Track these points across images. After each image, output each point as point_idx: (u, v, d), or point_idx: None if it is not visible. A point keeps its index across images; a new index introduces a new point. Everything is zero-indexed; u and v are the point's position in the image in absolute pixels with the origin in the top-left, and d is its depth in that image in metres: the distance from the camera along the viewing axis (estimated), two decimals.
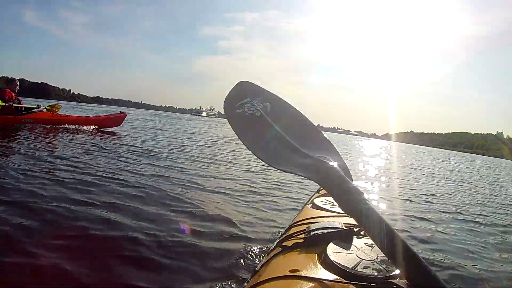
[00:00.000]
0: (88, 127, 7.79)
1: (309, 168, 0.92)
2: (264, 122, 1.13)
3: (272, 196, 3.42)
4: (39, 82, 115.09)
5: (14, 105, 6.77)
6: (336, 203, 1.29)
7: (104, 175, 3.30)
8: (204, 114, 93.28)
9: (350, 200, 0.76)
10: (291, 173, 0.93)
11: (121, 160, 4.32)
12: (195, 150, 6.77)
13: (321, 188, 1.82)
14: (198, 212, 2.56)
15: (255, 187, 3.74)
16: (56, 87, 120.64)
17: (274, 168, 0.94)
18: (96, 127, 7.94)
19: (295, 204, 3.03)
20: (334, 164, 0.90)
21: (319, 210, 1.32)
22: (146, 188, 2.99)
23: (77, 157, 4.09)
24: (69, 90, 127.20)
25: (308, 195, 2.42)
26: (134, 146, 6.01)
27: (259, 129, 1.11)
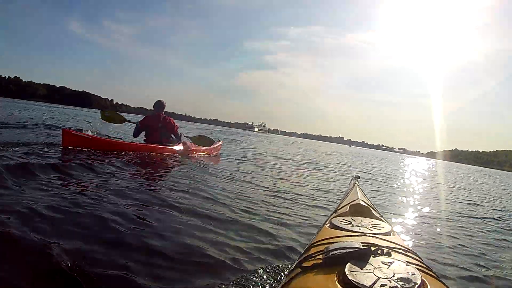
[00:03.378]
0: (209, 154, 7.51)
1: None
2: None
3: (291, 215, 3.27)
4: (80, 90, 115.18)
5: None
6: (353, 223, 1.42)
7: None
8: (256, 129, 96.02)
9: None
10: None
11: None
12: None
13: (339, 208, 1.88)
14: (218, 225, 2.52)
15: (272, 205, 3.54)
16: (99, 96, 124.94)
17: None
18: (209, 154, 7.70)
19: (313, 224, 2.97)
20: None
21: (337, 230, 1.34)
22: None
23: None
24: (112, 100, 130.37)
25: (325, 215, 2.48)
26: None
27: None
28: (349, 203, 1.83)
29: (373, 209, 1.81)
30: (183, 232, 2.24)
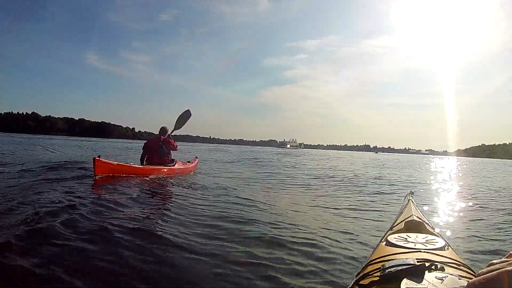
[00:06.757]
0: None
1: None
2: None
3: (347, 233, 3.32)
4: (99, 121, 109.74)
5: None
6: (408, 239, 1.46)
7: None
8: (288, 146, 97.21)
9: None
10: None
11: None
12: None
13: (394, 225, 1.86)
14: (279, 242, 2.62)
15: (329, 225, 3.63)
16: (119, 125, 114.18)
17: None
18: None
19: (369, 241, 2.99)
20: None
21: (393, 247, 1.36)
22: None
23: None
24: (133, 129, 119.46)
25: (382, 231, 2.51)
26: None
27: None
28: (404, 219, 1.84)
29: (427, 224, 1.81)
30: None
